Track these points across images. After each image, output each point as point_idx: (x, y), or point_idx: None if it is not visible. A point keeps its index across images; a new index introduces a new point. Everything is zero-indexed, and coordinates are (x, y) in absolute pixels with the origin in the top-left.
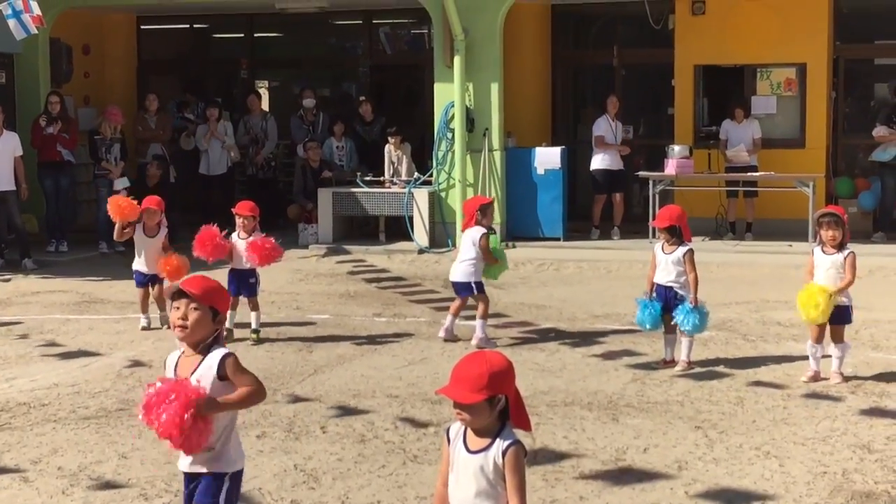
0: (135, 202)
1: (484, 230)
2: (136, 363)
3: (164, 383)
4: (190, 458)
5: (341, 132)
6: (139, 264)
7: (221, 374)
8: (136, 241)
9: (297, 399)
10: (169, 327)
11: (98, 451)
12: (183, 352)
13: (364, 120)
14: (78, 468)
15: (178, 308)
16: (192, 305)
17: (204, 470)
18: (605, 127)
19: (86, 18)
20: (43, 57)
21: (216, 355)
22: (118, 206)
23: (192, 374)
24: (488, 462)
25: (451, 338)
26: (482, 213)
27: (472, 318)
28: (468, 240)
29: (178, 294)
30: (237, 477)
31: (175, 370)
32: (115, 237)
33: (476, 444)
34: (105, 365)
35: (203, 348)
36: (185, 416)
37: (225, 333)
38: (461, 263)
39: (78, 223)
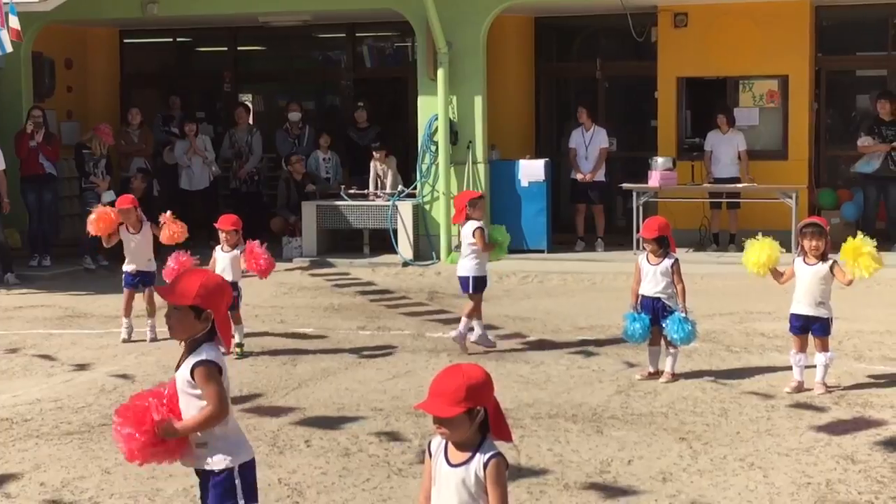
0: (110, 211)
1: (476, 224)
2: (120, 378)
3: (131, 401)
4: (187, 460)
5: (327, 144)
6: (127, 265)
7: (193, 379)
8: (123, 243)
9: (281, 413)
10: (155, 339)
11: (81, 467)
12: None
13: (357, 126)
14: (61, 484)
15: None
16: (172, 308)
17: (207, 467)
18: (576, 140)
19: (68, 33)
20: (25, 71)
21: (193, 359)
22: (97, 224)
23: (177, 369)
24: (470, 475)
25: (462, 343)
26: (472, 207)
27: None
28: (464, 236)
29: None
30: (248, 467)
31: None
32: (105, 245)
33: (457, 458)
34: (88, 380)
35: (191, 344)
36: (139, 435)
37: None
38: (463, 259)
39: (61, 237)
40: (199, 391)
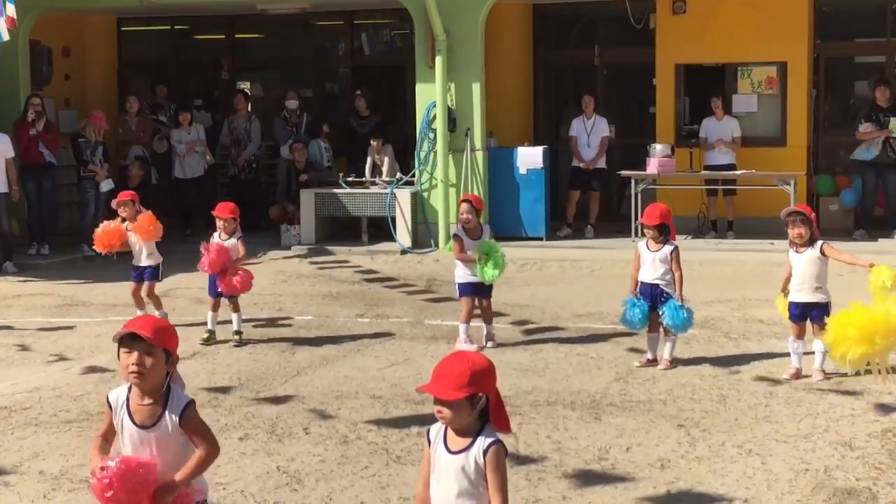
0: (118, 228)
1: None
2: (119, 366)
3: (121, 468)
4: None
5: (327, 132)
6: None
7: (183, 426)
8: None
9: (279, 400)
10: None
11: (80, 455)
12: (130, 391)
13: (359, 114)
14: (60, 472)
15: (129, 353)
16: (147, 350)
17: None
18: (577, 128)
19: (66, 20)
20: (23, 59)
21: (178, 405)
22: (103, 242)
23: (154, 425)
24: (469, 462)
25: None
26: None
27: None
28: None
29: (130, 337)
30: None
31: (129, 414)
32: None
33: (457, 445)
34: (87, 368)
35: (161, 395)
36: None
37: (206, 336)
38: None
39: (59, 226)
40: (185, 437)
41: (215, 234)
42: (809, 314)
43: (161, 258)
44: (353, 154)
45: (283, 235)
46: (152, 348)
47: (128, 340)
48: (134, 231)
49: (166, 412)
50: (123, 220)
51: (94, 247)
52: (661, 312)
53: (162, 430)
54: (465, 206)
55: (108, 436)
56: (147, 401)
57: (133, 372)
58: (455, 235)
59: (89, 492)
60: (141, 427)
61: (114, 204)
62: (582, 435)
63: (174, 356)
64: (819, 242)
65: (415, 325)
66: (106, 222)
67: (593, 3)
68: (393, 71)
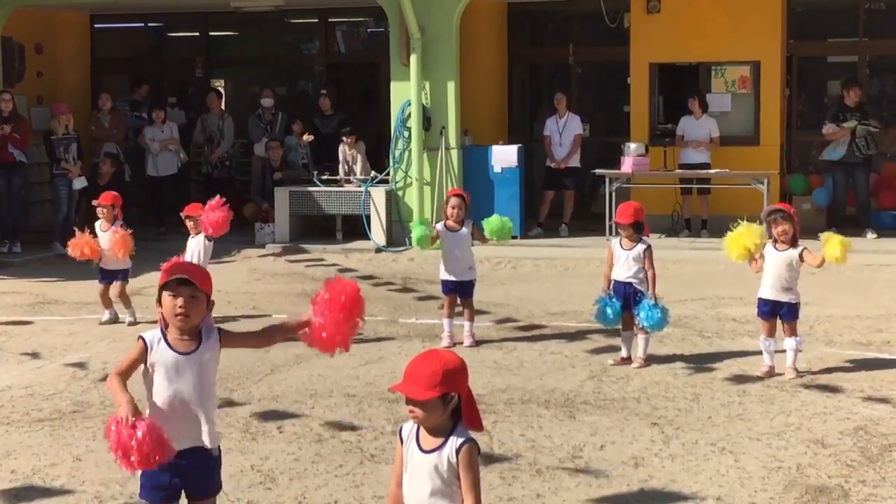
0: (94, 240)
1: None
2: (91, 364)
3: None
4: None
5: (300, 130)
6: (102, 261)
7: (223, 341)
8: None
9: (253, 399)
10: (134, 323)
11: (52, 454)
12: (167, 329)
13: (322, 113)
14: (32, 471)
15: (175, 296)
16: (192, 293)
17: (205, 444)
18: (550, 127)
19: (38, 17)
20: None
21: (212, 330)
22: (81, 250)
23: (196, 351)
24: (442, 461)
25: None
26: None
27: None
28: None
29: (178, 282)
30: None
31: (169, 346)
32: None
33: (429, 444)
34: (59, 366)
35: (196, 333)
36: None
37: None
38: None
39: (31, 224)
40: (216, 366)
41: (191, 237)
42: (779, 312)
43: (130, 262)
44: (317, 153)
45: (257, 233)
46: (197, 291)
47: (173, 284)
48: (110, 249)
49: (203, 340)
50: (93, 232)
51: (67, 247)
52: (635, 313)
53: (201, 355)
54: (456, 200)
55: (125, 375)
56: (185, 337)
57: (180, 314)
58: (436, 228)
59: (104, 436)
60: (182, 354)
61: (94, 203)
62: (556, 433)
63: (212, 300)
64: (800, 247)
65: (389, 324)
66: (80, 235)
67: (568, 1)
68: (368, 68)
